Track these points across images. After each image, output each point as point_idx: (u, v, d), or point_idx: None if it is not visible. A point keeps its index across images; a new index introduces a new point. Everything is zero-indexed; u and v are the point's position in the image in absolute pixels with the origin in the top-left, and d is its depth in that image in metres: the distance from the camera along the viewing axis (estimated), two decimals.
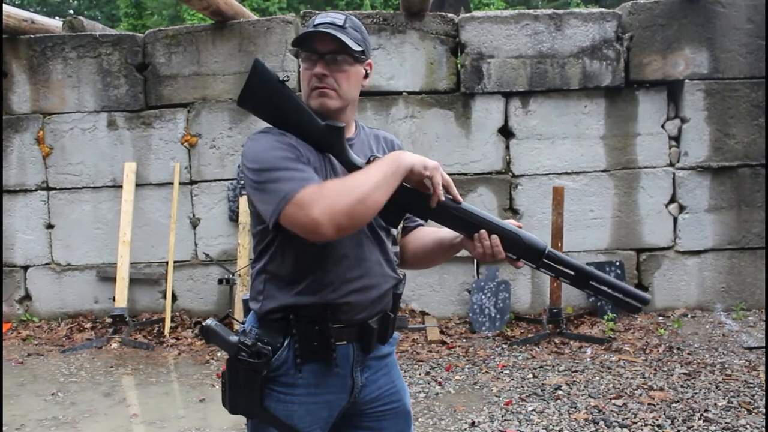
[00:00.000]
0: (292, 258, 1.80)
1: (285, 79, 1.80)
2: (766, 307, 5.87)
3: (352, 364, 1.86)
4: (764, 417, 3.92)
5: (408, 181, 1.75)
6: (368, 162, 1.79)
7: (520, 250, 1.83)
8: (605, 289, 1.86)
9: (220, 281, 6.10)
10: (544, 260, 1.84)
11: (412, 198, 1.81)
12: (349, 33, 1.81)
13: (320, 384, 1.83)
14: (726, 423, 3.87)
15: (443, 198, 1.77)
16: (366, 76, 1.90)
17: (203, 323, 1.81)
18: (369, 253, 1.84)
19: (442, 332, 5.83)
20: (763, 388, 4.36)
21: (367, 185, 1.66)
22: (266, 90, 1.79)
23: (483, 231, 1.80)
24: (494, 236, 1.80)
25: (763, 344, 5.21)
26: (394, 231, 1.92)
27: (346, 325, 1.82)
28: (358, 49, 1.81)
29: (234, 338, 1.78)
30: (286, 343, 1.81)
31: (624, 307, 1.88)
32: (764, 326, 5.67)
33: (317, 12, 6.27)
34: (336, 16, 1.83)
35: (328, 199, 1.62)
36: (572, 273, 1.86)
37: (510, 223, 1.84)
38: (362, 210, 1.65)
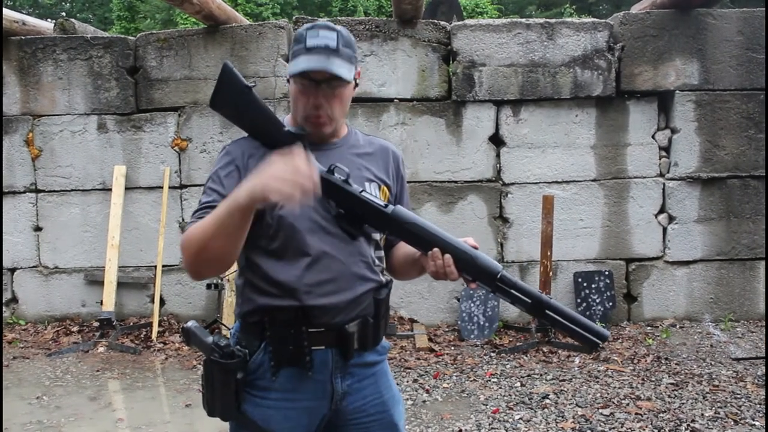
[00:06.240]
0: (264, 263, 1.82)
1: (252, 85, 1.81)
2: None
3: (331, 370, 1.84)
4: (749, 428, 3.93)
5: (265, 206, 1.65)
6: (329, 171, 1.79)
7: (473, 271, 1.80)
8: (562, 320, 1.81)
9: (208, 286, 6.07)
10: (498, 284, 1.81)
11: (367, 210, 1.81)
12: (342, 54, 1.78)
13: (297, 389, 1.82)
14: None
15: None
16: (356, 85, 1.89)
17: (184, 325, 1.82)
18: (343, 256, 1.82)
19: (430, 340, 5.82)
20: (750, 398, 4.37)
21: (202, 237, 1.65)
22: (234, 95, 1.81)
23: (436, 249, 1.78)
24: (447, 256, 1.78)
25: (751, 355, 5.22)
26: (376, 236, 1.91)
27: (323, 330, 1.81)
28: (352, 74, 1.80)
29: (209, 339, 1.78)
30: (261, 346, 1.81)
31: (581, 340, 1.82)
32: (752, 337, 5.68)
33: (309, 18, 6.28)
34: (328, 37, 1.78)
35: (184, 250, 1.70)
36: (528, 300, 1.82)
37: (466, 243, 1.81)
38: (205, 261, 1.68)
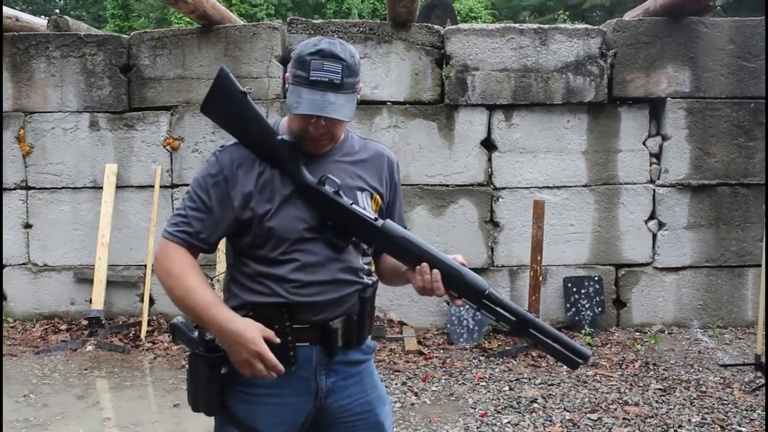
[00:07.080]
0: (252, 263, 1.85)
1: (248, 91, 1.81)
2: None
3: (315, 366, 1.86)
4: None
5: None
6: (320, 182, 1.80)
7: (461, 288, 1.82)
8: (545, 339, 1.83)
9: None
10: (485, 301, 1.82)
11: (357, 224, 1.82)
12: (346, 86, 1.77)
13: (281, 384, 1.83)
14: None
15: None
16: (358, 100, 1.88)
17: (171, 321, 1.83)
18: (329, 264, 1.84)
19: (419, 343, 5.82)
20: (737, 405, 4.39)
21: (171, 290, 1.79)
22: (228, 101, 1.81)
23: (424, 264, 1.81)
24: (435, 271, 1.80)
25: (739, 362, 5.24)
26: (364, 244, 1.93)
27: (307, 326, 1.83)
28: (353, 104, 1.80)
29: (195, 334, 1.80)
30: None
31: (562, 360, 1.85)
32: (739, 344, 5.72)
33: (304, 20, 6.28)
34: (333, 71, 1.75)
35: (164, 272, 1.80)
36: (513, 318, 1.83)
37: (454, 260, 1.83)
38: (171, 295, 1.80)
